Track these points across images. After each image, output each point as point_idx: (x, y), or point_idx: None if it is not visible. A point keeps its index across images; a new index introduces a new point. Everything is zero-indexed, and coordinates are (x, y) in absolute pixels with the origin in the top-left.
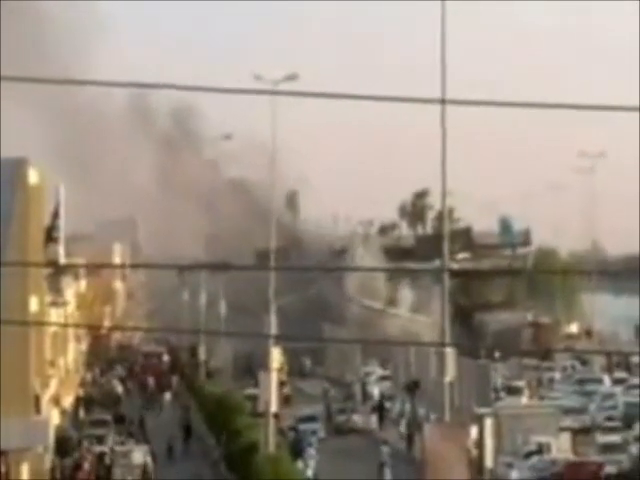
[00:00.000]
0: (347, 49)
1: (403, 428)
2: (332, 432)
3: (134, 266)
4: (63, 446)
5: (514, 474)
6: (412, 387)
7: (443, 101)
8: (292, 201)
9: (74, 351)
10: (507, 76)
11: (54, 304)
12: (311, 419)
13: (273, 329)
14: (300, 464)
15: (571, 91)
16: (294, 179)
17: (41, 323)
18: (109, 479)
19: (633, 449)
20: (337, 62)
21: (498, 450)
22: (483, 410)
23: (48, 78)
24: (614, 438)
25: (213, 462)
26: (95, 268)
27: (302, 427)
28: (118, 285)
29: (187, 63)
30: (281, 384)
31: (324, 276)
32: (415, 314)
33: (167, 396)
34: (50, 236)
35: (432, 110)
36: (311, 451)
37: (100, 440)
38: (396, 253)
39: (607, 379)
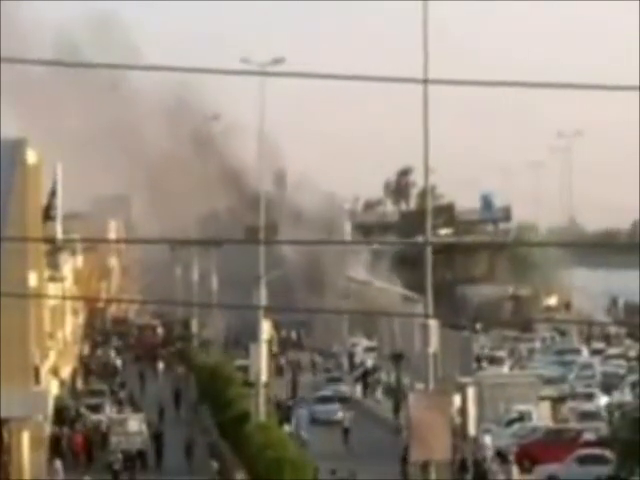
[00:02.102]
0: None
1: (379, 394)
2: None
3: (129, 241)
4: (62, 415)
5: (487, 439)
6: (397, 358)
7: (425, 81)
8: (280, 179)
9: (72, 324)
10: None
11: (52, 279)
12: (329, 400)
13: (263, 302)
14: (287, 428)
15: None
16: (282, 157)
17: (39, 296)
18: (105, 446)
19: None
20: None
21: (480, 418)
22: (466, 379)
23: (49, 60)
24: (592, 406)
25: (204, 429)
26: (92, 244)
27: (320, 409)
28: (113, 261)
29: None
30: (273, 356)
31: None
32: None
33: (161, 366)
34: (48, 214)
35: (415, 90)
36: (302, 411)
37: (97, 409)
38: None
39: (585, 350)
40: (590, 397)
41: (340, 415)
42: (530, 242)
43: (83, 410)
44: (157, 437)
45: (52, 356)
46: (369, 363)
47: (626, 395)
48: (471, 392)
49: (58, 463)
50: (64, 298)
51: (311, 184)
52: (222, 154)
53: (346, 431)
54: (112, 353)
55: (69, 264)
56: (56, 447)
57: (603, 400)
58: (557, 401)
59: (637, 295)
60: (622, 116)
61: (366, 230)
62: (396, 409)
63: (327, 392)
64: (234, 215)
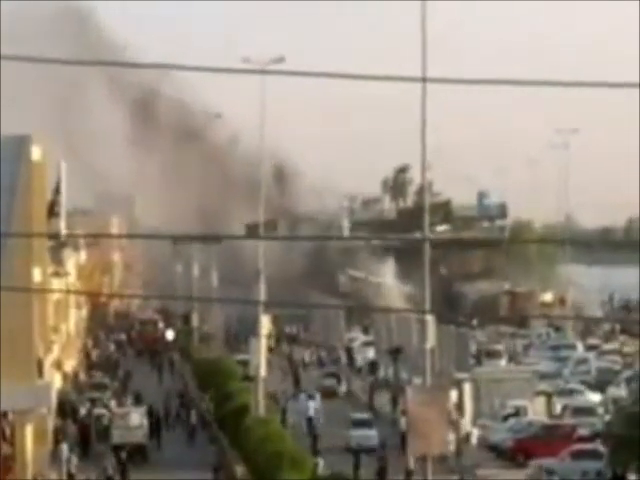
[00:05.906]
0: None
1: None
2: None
3: (131, 236)
4: (65, 408)
5: (474, 432)
6: (395, 352)
7: (424, 79)
8: (279, 176)
9: (75, 318)
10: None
11: (56, 275)
12: (365, 424)
13: (262, 297)
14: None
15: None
16: (281, 154)
17: (43, 290)
18: (107, 439)
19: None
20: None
21: (477, 413)
22: (462, 375)
23: (49, 58)
24: (586, 401)
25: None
26: (95, 240)
27: (355, 434)
28: (116, 257)
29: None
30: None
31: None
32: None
33: (165, 360)
34: (53, 210)
35: (414, 88)
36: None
37: (99, 402)
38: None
39: (580, 345)
40: (584, 393)
41: (376, 442)
42: (526, 239)
43: (86, 403)
44: (157, 426)
45: (55, 349)
46: (370, 356)
47: (621, 390)
48: (468, 387)
49: (64, 446)
50: (68, 292)
51: (310, 181)
52: (222, 154)
53: (310, 419)
54: (114, 347)
55: (72, 260)
56: (57, 439)
57: (598, 396)
58: (552, 396)
59: (632, 292)
60: (619, 113)
61: (364, 227)
62: (393, 403)
63: (363, 415)
64: (234, 211)
